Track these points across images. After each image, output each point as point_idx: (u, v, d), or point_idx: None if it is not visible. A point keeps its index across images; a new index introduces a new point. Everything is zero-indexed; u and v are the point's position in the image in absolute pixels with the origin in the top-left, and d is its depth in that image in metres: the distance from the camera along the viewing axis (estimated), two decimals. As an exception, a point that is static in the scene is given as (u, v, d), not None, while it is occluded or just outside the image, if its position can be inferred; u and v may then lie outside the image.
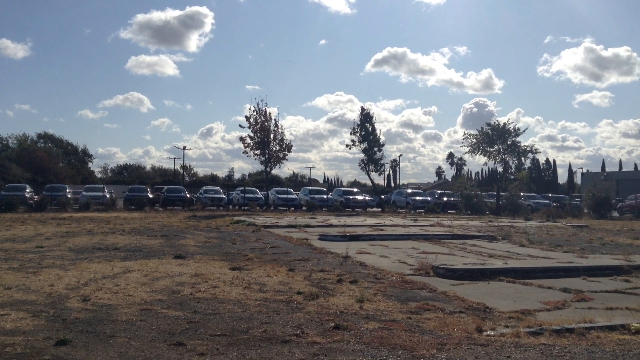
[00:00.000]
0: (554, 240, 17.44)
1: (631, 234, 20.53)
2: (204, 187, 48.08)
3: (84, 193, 38.78)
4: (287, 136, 51.37)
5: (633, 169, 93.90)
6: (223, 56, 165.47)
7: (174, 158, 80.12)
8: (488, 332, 5.69)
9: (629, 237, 19.01)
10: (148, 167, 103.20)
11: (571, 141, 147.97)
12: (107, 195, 38.38)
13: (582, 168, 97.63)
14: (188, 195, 41.37)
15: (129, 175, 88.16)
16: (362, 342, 5.17)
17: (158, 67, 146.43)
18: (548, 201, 43.90)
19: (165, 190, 42.70)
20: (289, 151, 41.56)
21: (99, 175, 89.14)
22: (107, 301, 6.90)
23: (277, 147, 40.82)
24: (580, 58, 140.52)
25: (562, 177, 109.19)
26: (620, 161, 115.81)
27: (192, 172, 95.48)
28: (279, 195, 42.63)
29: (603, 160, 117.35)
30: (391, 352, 4.84)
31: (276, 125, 40.77)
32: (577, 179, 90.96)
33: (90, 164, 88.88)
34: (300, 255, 12.15)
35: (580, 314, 6.51)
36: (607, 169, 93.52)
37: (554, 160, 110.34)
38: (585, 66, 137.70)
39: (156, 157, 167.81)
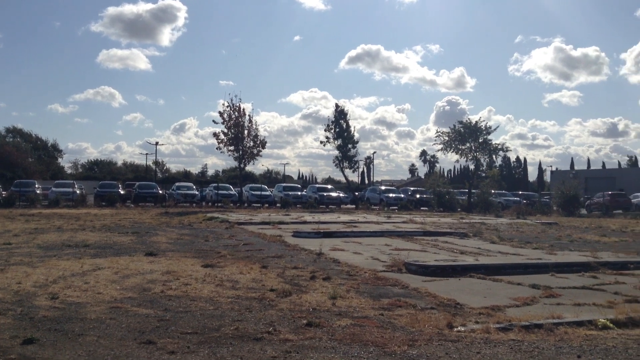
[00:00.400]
0: (523, 237, 17.74)
1: (599, 231, 21.00)
2: (177, 184, 47.59)
3: (53, 189, 38.00)
4: (262, 132, 51.02)
5: (601, 167, 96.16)
6: (196, 51, 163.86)
7: (146, 154, 78.95)
8: (459, 328, 5.76)
9: (596, 234, 19.45)
10: (120, 162, 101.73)
11: (541, 139, 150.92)
12: (78, 191, 37.74)
13: (551, 166, 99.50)
14: (160, 192, 40.89)
15: (100, 171, 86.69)
16: (334, 339, 5.18)
17: (130, 61, 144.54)
18: (518, 199, 44.70)
19: (137, 187, 42.16)
20: (263, 147, 41.40)
21: (69, 171, 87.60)
22: (76, 299, 6.78)
23: (251, 143, 40.61)
24: (550, 57, 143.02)
25: (532, 174, 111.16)
26: (589, 159, 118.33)
27: (165, 168, 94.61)
28: (253, 192, 42.47)
29: (572, 158, 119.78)
30: (363, 349, 4.87)
31: (250, 121, 40.57)
32: (547, 177, 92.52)
33: (60, 160, 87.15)
34: (274, 252, 12.12)
35: (548, 310, 6.63)
36: (575, 167, 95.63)
37: (525, 158, 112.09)
38: (555, 66, 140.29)
39: (128, 152, 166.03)
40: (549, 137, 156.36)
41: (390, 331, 5.53)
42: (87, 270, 8.98)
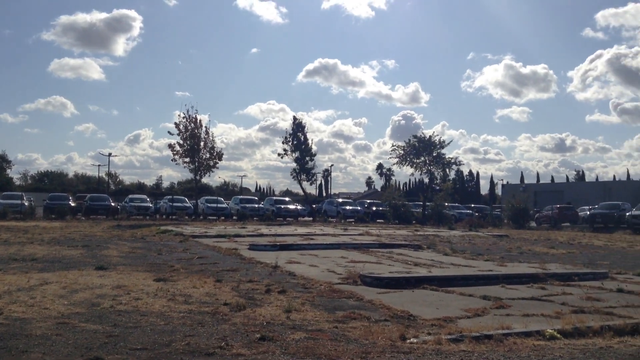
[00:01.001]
0: (475, 249, 18.12)
1: (547, 243, 21.66)
2: (130, 196, 46.61)
3: (0, 201, 36.57)
4: (218, 144, 50.84)
5: (550, 181, 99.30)
6: (152, 61, 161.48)
7: (99, 165, 77.57)
8: (411, 339, 5.81)
9: (545, 246, 20.05)
10: (71, 174, 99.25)
11: (492, 154, 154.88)
12: (26, 204, 36.50)
13: (502, 180, 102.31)
14: (113, 204, 39.95)
15: (50, 183, 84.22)
16: (288, 352, 5.15)
17: (83, 70, 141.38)
18: (471, 211, 45.71)
19: (88, 199, 41.07)
20: (220, 159, 41.10)
21: (18, 182, 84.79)
22: (21, 315, 6.53)
23: (208, 155, 40.22)
24: (500, 74, 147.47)
25: (484, 188, 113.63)
26: (538, 174, 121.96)
27: (118, 180, 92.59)
28: (209, 204, 41.95)
29: (522, 172, 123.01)
30: (316, 362, 4.86)
31: (207, 132, 40.24)
32: (498, 190, 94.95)
33: (8, 171, 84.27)
34: (229, 265, 11.99)
35: (498, 321, 6.75)
36: (525, 181, 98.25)
37: (477, 172, 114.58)
38: (505, 82, 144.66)
39: (80, 164, 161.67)
40: (500, 152, 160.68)
41: (343, 344, 5.54)
42: (33, 285, 8.66)
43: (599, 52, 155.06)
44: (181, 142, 39.46)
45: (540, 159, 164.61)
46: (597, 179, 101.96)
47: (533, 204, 49.54)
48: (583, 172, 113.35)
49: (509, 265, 13.15)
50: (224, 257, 13.70)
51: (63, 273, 10.18)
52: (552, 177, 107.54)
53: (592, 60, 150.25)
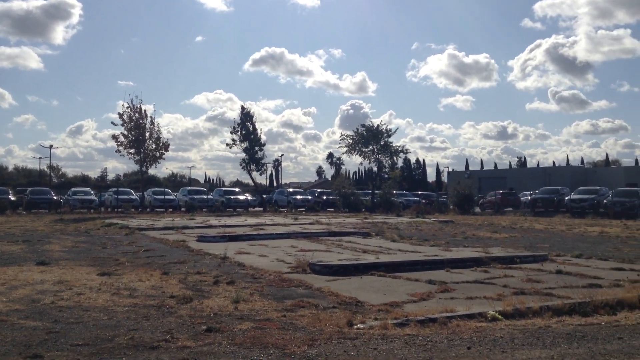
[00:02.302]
0: (422, 235, 18.51)
1: (491, 227, 22.33)
2: (73, 189, 45.07)
3: None
4: (165, 134, 49.75)
5: (493, 168, 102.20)
6: (93, 50, 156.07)
7: (40, 158, 74.62)
8: (358, 325, 5.89)
9: (488, 230, 20.67)
10: (11, 167, 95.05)
11: (438, 142, 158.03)
12: (-38, 199, 34.73)
13: (448, 167, 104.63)
14: (55, 197, 38.56)
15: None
16: (235, 343, 5.13)
17: (20, 59, 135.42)
18: (418, 198, 46.64)
19: (29, 192, 39.51)
20: (167, 150, 40.21)
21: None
22: (-47, 315, 6.24)
23: (154, 146, 39.30)
24: (444, 64, 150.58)
25: (431, 175, 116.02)
26: (482, 161, 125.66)
27: (61, 172, 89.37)
28: (156, 196, 41.09)
29: (467, 159, 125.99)
30: (263, 352, 4.86)
31: (152, 123, 39.22)
32: (445, 178, 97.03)
33: (-56, 165, 79.91)
34: (176, 257, 11.81)
35: (443, 304, 6.92)
36: (470, 168, 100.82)
37: (424, 160, 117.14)
38: (449, 72, 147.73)
39: (20, 156, 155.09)
40: (445, 140, 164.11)
41: (291, 332, 5.56)
42: (-33, 284, 8.29)
43: (538, 41, 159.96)
44: (125, 132, 38.39)
45: (484, 147, 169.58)
46: (537, 165, 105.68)
47: (477, 190, 50.86)
48: (525, 158, 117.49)
49: (454, 250, 13.49)
50: (172, 250, 13.49)
51: (2, 269, 9.80)
52: (496, 163, 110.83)
53: (531, 50, 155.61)
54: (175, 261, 11.18)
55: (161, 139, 39.86)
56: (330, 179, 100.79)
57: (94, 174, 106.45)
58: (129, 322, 5.94)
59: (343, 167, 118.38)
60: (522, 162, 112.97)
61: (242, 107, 43.70)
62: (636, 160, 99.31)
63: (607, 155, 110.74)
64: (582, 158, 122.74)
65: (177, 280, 8.77)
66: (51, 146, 68.31)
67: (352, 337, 5.39)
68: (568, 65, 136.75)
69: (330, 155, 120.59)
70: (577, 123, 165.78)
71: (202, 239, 16.04)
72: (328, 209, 41.43)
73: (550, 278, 9.22)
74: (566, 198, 35.60)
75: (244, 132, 42.90)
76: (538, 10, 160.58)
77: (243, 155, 43.37)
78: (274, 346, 5.02)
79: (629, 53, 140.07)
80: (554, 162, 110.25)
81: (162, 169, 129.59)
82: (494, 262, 10.90)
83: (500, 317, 6.30)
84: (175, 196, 43.06)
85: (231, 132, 43.27)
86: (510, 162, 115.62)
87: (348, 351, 4.93)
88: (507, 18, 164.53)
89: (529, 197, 40.87)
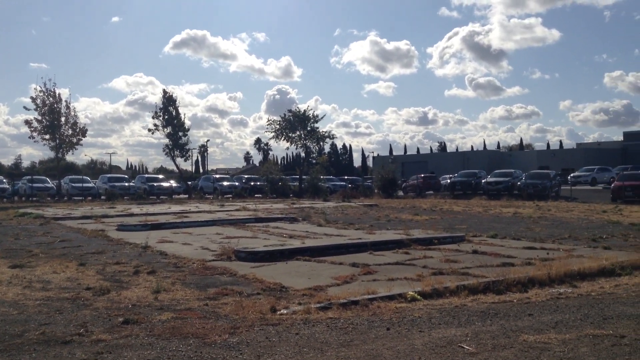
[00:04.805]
0: (347, 218, 18.78)
1: (412, 210, 23.00)
2: (-18, 177, 42.34)
3: None
4: (82, 119, 47.61)
5: (416, 153, 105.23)
6: (1, 30, 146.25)
7: (-57, 144, 69.30)
8: (281, 311, 5.88)
9: (410, 213, 21.27)
10: None
11: (363, 127, 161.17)
12: None
13: (373, 152, 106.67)
14: (-39, 187, 36.10)
15: None
16: (153, 334, 4.99)
17: None
18: (344, 183, 47.34)
19: None
20: (84, 136, 38.68)
21: None
22: None
23: (70, 132, 37.66)
24: (366, 50, 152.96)
25: (357, 160, 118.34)
26: (405, 145, 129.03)
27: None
28: (74, 184, 39.29)
29: (390, 145, 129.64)
30: (182, 342, 4.75)
31: (68, 107, 37.58)
32: (370, 162, 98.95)
33: None
34: (95, 248, 11.35)
35: (365, 287, 7.03)
36: (394, 153, 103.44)
37: (350, 145, 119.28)
38: (371, 58, 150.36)
39: None
40: (370, 125, 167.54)
41: (212, 321, 5.47)
42: None
43: (455, 29, 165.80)
44: (39, 117, 36.54)
45: (407, 132, 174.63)
46: (457, 149, 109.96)
47: (401, 174, 52.29)
48: (444, 143, 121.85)
49: (377, 233, 13.78)
50: (89, 240, 12.95)
51: None
52: (418, 148, 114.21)
53: (449, 38, 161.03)
54: (93, 251, 10.74)
55: (78, 124, 38.43)
56: (258, 164, 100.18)
57: (7, 161, 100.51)
58: (40, 317, 5.65)
59: (271, 152, 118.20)
60: (443, 147, 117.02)
61: (164, 91, 42.36)
62: (547, 144, 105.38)
63: (521, 139, 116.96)
64: (498, 142, 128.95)
65: (94, 272, 8.43)
66: (-45, 132, 63.74)
67: (274, 323, 5.38)
68: (483, 52, 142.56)
69: (258, 141, 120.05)
70: (493, 109, 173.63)
71: (122, 227, 15.51)
72: (256, 195, 41.17)
73: (467, 258, 9.60)
74: (483, 181, 37.20)
75: (166, 117, 41.63)
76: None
77: (166, 140, 42.14)
78: (194, 336, 4.93)
79: (539, 41, 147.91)
80: (472, 147, 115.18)
81: (80, 156, 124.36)
82: (415, 244, 11.21)
83: (419, 297, 6.48)
84: (95, 184, 41.35)
85: (153, 117, 41.88)
86: (431, 147, 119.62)
87: (270, 337, 4.91)
88: (426, 5, 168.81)
89: (449, 181, 42.38)
